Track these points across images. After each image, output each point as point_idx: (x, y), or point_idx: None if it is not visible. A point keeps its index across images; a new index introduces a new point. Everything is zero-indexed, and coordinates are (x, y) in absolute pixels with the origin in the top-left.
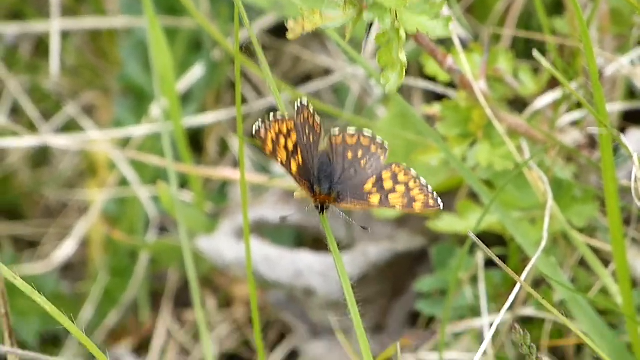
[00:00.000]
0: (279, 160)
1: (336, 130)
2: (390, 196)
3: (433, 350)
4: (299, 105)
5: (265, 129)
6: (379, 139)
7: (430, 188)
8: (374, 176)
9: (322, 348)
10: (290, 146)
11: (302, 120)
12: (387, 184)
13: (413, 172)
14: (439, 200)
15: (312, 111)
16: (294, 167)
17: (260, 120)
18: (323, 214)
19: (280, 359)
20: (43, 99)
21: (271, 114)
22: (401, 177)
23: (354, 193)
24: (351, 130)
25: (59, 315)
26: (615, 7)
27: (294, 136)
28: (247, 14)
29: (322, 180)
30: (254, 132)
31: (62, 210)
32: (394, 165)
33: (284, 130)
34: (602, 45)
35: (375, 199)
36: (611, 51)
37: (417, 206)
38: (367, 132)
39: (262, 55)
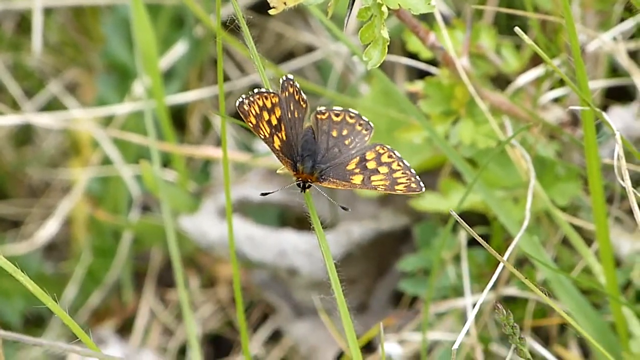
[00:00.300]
0: (262, 135)
1: (322, 108)
2: (373, 177)
3: (416, 330)
4: (283, 80)
5: (249, 103)
6: (364, 118)
7: (413, 171)
8: (358, 156)
9: (306, 328)
10: (274, 121)
11: (286, 96)
12: (371, 165)
13: (397, 153)
14: (422, 184)
15: (297, 87)
16: (277, 143)
17: (244, 94)
18: (304, 192)
19: (263, 339)
20: (26, 77)
21: (255, 89)
22: (385, 159)
23: (337, 172)
24: (337, 108)
25: (42, 295)
26: None
27: (278, 111)
28: None
29: (306, 158)
30: (236, 105)
31: (45, 189)
32: (378, 146)
33: (268, 104)
34: (584, 21)
35: (357, 179)
36: (593, 28)
37: (400, 188)
38: (353, 111)
39: (247, 31)
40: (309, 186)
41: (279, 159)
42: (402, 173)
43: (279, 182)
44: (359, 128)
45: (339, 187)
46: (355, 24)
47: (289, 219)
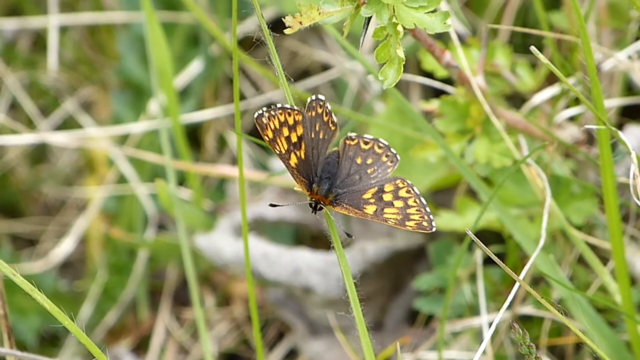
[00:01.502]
0: (278, 150)
1: (353, 134)
2: (387, 210)
3: (432, 348)
4: (312, 99)
5: (269, 116)
6: (393, 150)
7: (428, 210)
8: (377, 187)
9: (321, 346)
10: (294, 139)
11: (312, 115)
12: (387, 197)
13: (416, 190)
14: (433, 224)
15: (328, 109)
16: (293, 161)
17: (264, 107)
18: (315, 213)
19: (279, 358)
20: (41, 95)
21: (278, 104)
22: (402, 193)
23: (352, 199)
24: (368, 136)
25: (58, 313)
26: (613, 1)
27: (300, 130)
28: (245, 8)
29: (323, 180)
30: (255, 117)
31: (60, 207)
32: (399, 180)
33: (290, 121)
34: (599, 40)
35: (371, 209)
36: (609, 46)
37: (410, 225)
38: (383, 141)
39: (273, 48)
40: (321, 208)
41: (292, 176)
42: (417, 210)
43: (294, 201)
44: (384, 159)
45: (351, 214)
46: (371, 42)
47: (304, 237)
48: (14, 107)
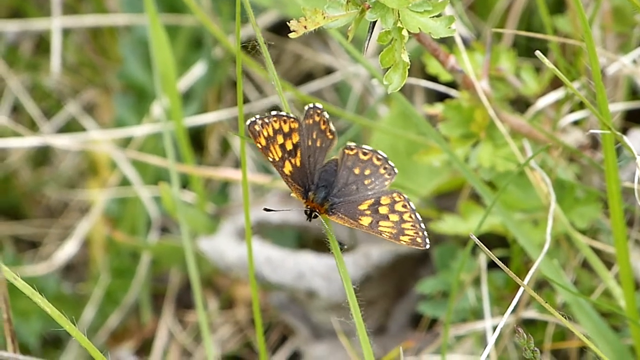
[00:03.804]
0: (271, 157)
1: (352, 144)
2: (382, 222)
3: (435, 352)
4: (310, 107)
5: (262, 124)
6: (391, 163)
7: (423, 226)
8: (373, 198)
9: (324, 350)
10: (289, 146)
11: (310, 123)
12: (383, 210)
13: (412, 205)
14: (427, 240)
15: (326, 118)
16: (287, 168)
17: (258, 115)
18: (310, 220)
19: None
20: (44, 98)
21: (273, 111)
22: (398, 207)
23: (347, 209)
24: (367, 147)
25: (60, 316)
26: (617, 6)
27: (295, 137)
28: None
29: (320, 188)
30: (247, 124)
31: (63, 210)
32: (395, 194)
33: (286, 129)
34: (604, 44)
35: (366, 220)
36: (613, 50)
37: (404, 240)
38: (382, 153)
39: (267, 54)
40: (316, 216)
41: (287, 183)
42: (412, 225)
43: (295, 206)
44: (382, 171)
45: (346, 224)
46: (375, 46)
47: (307, 241)
48: (17, 110)
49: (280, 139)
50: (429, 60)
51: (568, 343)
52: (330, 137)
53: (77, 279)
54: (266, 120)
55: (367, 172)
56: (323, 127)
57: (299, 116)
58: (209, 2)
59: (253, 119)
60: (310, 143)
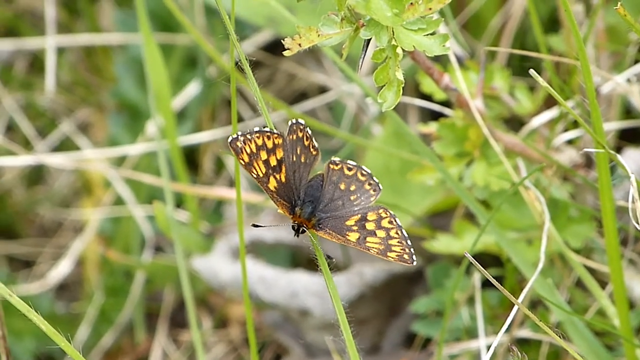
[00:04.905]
0: (254, 174)
1: (337, 159)
2: (369, 239)
3: None
4: (292, 123)
5: (244, 140)
6: (375, 179)
7: (409, 243)
8: (360, 214)
9: None
10: (273, 162)
11: (293, 139)
12: (370, 226)
13: (398, 221)
14: (414, 257)
15: (309, 134)
16: (272, 184)
17: (239, 132)
18: (298, 236)
19: None
20: (38, 116)
21: (255, 127)
22: (385, 223)
23: (334, 225)
24: (351, 163)
25: (55, 335)
26: (611, 25)
27: (279, 153)
28: (243, 30)
29: (306, 203)
30: (228, 141)
31: (57, 229)
32: (381, 210)
33: (269, 145)
34: (598, 63)
35: (353, 236)
36: (607, 69)
37: (392, 256)
38: (366, 169)
39: (250, 74)
40: (304, 231)
41: (272, 199)
42: (398, 242)
43: (288, 223)
44: (367, 187)
45: (333, 240)
46: (369, 64)
47: (301, 260)
48: (11, 129)
49: (263, 154)
50: (423, 78)
51: None
52: (314, 152)
53: (71, 298)
54: (248, 136)
55: (352, 187)
56: (306, 142)
57: (282, 132)
58: (203, 21)
59: (235, 135)
60: (294, 159)
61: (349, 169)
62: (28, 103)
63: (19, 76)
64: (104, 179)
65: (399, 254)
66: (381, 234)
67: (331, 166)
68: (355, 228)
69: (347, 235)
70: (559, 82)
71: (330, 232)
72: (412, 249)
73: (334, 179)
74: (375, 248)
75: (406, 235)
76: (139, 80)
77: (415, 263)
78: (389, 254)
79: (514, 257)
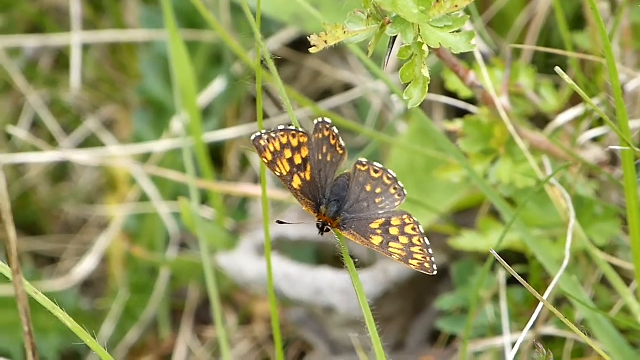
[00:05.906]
0: (278, 172)
1: (364, 160)
2: (392, 244)
3: None
4: (319, 122)
5: (268, 139)
6: (400, 184)
7: (431, 251)
8: (384, 218)
9: None
10: (298, 160)
11: (319, 138)
12: (393, 231)
13: (421, 229)
14: (435, 267)
15: (335, 133)
16: (296, 182)
17: (263, 131)
18: (322, 234)
19: None
20: (63, 113)
21: (280, 125)
22: (408, 230)
23: (359, 226)
24: (378, 165)
25: (80, 331)
26: (637, 22)
27: (304, 151)
28: (268, 27)
29: (332, 202)
30: (252, 139)
31: (81, 226)
32: (405, 216)
33: (294, 143)
34: (623, 60)
35: (377, 240)
36: (633, 67)
37: (413, 263)
38: (391, 173)
39: (275, 72)
40: (328, 230)
41: (296, 197)
42: (420, 250)
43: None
44: (392, 191)
45: (357, 242)
46: (394, 62)
47: (326, 257)
48: (36, 125)
49: (288, 153)
50: (449, 76)
51: (587, 359)
52: (341, 152)
53: (96, 294)
54: (272, 134)
55: (378, 190)
56: (333, 142)
57: (308, 131)
58: (228, 18)
59: (258, 133)
60: (320, 157)
61: (376, 172)
62: (53, 100)
63: (44, 73)
64: (129, 176)
65: (420, 262)
66: (404, 240)
67: (358, 167)
68: (379, 232)
69: (371, 238)
70: (584, 80)
71: (355, 233)
72: (433, 258)
73: (361, 179)
74: (398, 254)
75: (428, 243)
76: (164, 77)
77: (435, 273)
78: (410, 261)
79: (539, 254)
